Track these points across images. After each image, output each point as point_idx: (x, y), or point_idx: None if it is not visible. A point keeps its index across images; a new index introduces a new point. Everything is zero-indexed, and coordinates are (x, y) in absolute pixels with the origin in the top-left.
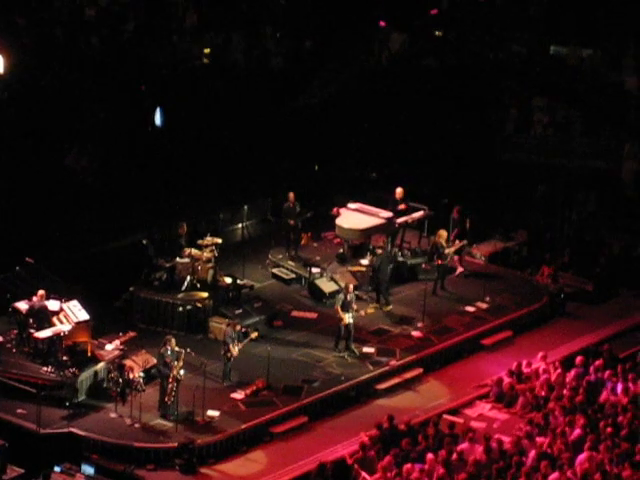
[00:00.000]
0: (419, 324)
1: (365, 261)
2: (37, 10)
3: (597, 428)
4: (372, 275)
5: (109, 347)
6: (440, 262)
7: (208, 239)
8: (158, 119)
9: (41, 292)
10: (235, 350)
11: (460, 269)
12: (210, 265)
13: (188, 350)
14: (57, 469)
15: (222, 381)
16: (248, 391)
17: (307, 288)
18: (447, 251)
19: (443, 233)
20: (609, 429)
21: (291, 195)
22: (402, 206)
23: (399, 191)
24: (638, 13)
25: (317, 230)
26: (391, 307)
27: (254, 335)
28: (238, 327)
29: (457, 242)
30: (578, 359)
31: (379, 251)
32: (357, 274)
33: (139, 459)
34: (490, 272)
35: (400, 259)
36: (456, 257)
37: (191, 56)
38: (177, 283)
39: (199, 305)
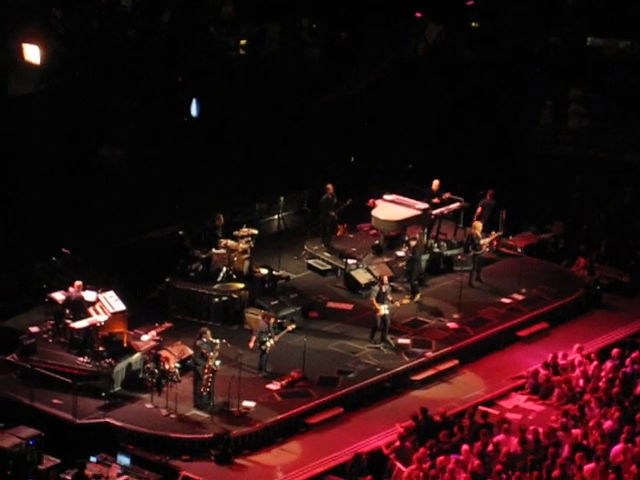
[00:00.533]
0: (455, 315)
1: (401, 252)
2: (73, 1)
3: (633, 420)
4: (406, 266)
5: (145, 338)
6: (475, 253)
7: (244, 230)
8: (194, 110)
9: (78, 283)
10: (270, 342)
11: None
12: (246, 256)
13: (224, 341)
14: (93, 459)
15: (258, 372)
16: (284, 382)
17: (343, 279)
18: (482, 242)
19: (478, 225)
20: None
21: (330, 187)
22: (445, 195)
23: (436, 183)
24: None
25: (353, 221)
26: (419, 297)
27: (291, 327)
28: (272, 320)
29: (492, 233)
30: (614, 351)
31: (413, 242)
32: (393, 265)
33: (175, 449)
34: (526, 263)
35: (436, 250)
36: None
37: (227, 47)
38: (213, 274)
39: (235, 296)
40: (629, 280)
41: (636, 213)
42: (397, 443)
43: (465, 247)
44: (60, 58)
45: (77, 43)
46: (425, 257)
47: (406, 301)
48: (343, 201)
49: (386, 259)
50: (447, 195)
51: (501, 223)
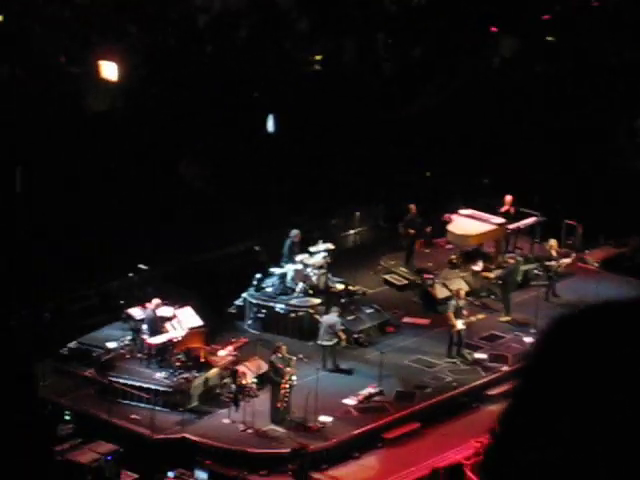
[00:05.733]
0: (532, 330)
1: (477, 267)
2: (150, 18)
3: None
4: (500, 284)
5: (222, 353)
6: (549, 269)
7: (320, 245)
8: (271, 126)
9: (157, 301)
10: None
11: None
12: (322, 271)
13: (300, 356)
14: (171, 474)
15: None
16: (361, 397)
17: (419, 294)
18: (557, 262)
19: (554, 243)
20: None
21: (412, 207)
22: (510, 210)
23: (508, 199)
24: None
25: (429, 236)
26: (510, 318)
27: (344, 338)
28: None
29: (567, 257)
30: None
31: (511, 261)
32: (469, 280)
33: (252, 465)
34: (603, 278)
35: (524, 267)
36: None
37: (303, 62)
38: (289, 289)
39: (311, 311)
40: None
41: None
42: (474, 458)
43: (541, 263)
44: (137, 75)
45: (154, 59)
46: (519, 277)
47: (482, 316)
48: (425, 225)
49: (462, 274)
50: (512, 209)
51: (577, 237)
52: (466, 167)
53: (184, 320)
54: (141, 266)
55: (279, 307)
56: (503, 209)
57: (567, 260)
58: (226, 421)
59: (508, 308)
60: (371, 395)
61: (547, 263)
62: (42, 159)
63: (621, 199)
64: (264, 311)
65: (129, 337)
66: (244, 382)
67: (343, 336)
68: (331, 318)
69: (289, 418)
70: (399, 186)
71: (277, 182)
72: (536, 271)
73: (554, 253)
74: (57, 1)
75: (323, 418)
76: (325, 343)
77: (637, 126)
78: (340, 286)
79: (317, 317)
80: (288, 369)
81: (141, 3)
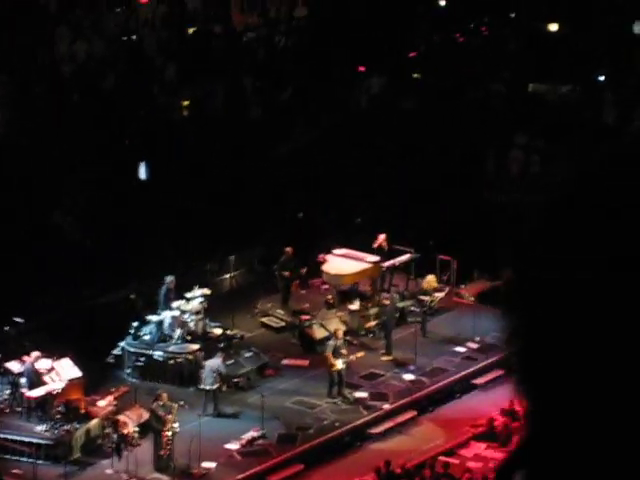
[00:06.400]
0: (410, 367)
1: (354, 306)
2: (18, 66)
3: None
4: (379, 324)
5: (102, 403)
6: (423, 303)
7: (196, 291)
8: (143, 173)
9: (36, 353)
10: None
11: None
12: (199, 317)
13: (181, 403)
14: None
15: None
16: (243, 441)
17: (297, 336)
18: (431, 298)
19: (432, 278)
20: None
21: (289, 250)
22: (384, 245)
23: (381, 237)
24: (613, 49)
25: (304, 278)
26: (392, 357)
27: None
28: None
29: (444, 289)
30: None
31: (386, 302)
32: (346, 319)
33: None
34: (479, 312)
35: (399, 305)
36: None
37: (170, 108)
38: (167, 336)
39: (190, 358)
40: None
41: None
42: None
43: (417, 299)
44: (5, 123)
45: (21, 107)
46: (395, 316)
47: (361, 354)
48: (300, 266)
49: (339, 313)
50: (386, 245)
51: (452, 272)
52: (339, 207)
53: (63, 372)
54: (16, 319)
55: (157, 354)
56: (376, 245)
57: (441, 294)
58: (109, 471)
59: (390, 347)
60: (254, 439)
61: (420, 297)
62: None
63: (493, 233)
64: (143, 359)
65: (7, 391)
66: (126, 431)
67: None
68: (215, 362)
69: (173, 465)
70: (272, 228)
71: (151, 229)
72: (412, 307)
73: (431, 288)
74: None
75: (207, 464)
76: (209, 387)
77: (517, 142)
78: (218, 331)
79: (200, 362)
80: (169, 416)
81: (9, 50)
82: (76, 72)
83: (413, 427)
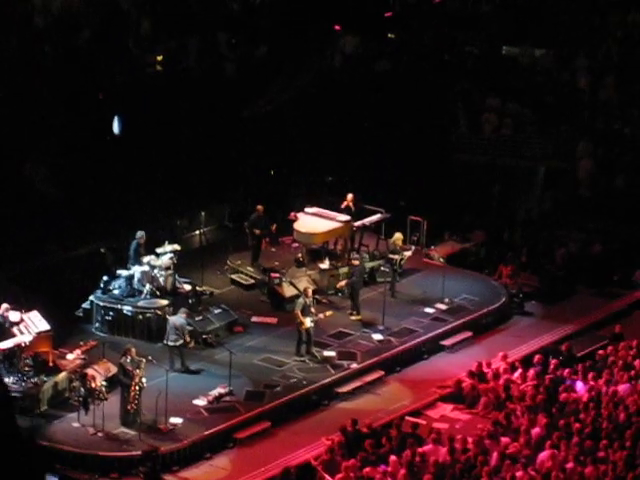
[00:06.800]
0: (379, 326)
1: (324, 265)
2: None
3: (559, 426)
4: (349, 283)
5: (70, 356)
6: (392, 262)
7: (166, 246)
8: (116, 127)
9: (5, 305)
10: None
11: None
12: (169, 272)
13: (149, 358)
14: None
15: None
16: (211, 397)
17: (267, 293)
18: (400, 257)
19: (399, 236)
20: (571, 427)
21: (260, 207)
22: (351, 205)
23: (349, 197)
24: (588, 13)
25: (275, 235)
26: (361, 317)
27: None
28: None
29: (410, 248)
30: (537, 358)
31: (356, 262)
32: (316, 278)
33: (103, 468)
34: (448, 273)
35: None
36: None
37: (145, 63)
38: (136, 291)
39: (159, 313)
40: (551, 287)
41: (555, 220)
42: (325, 456)
43: (386, 258)
44: None
45: None
46: (364, 276)
47: (329, 313)
48: (271, 224)
49: (309, 272)
50: (353, 205)
51: (422, 233)
52: (310, 165)
53: (31, 324)
54: None
55: (127, 309)
56: (343, 205)
57: (408, 253)
58: (76, 425)
59: (358, 308)
60: (221, 395)
61: (390, 256)
62: None
63: (464, 195)
64: (112, 313)
65: None
66: (93, 385)
67: (188, 339)
68: (178, 319)
69: (139, 420)
70: (244, 185)
71: (123, 184)
72: (382, 267)
73: (398, 246)
74: None
75: (174, 419)
76: (171, 344)
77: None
78: (187, 287)
79: (166, 317)
80: (137, 371)
81: None
82: (50, 24)
83: (381, 387)
